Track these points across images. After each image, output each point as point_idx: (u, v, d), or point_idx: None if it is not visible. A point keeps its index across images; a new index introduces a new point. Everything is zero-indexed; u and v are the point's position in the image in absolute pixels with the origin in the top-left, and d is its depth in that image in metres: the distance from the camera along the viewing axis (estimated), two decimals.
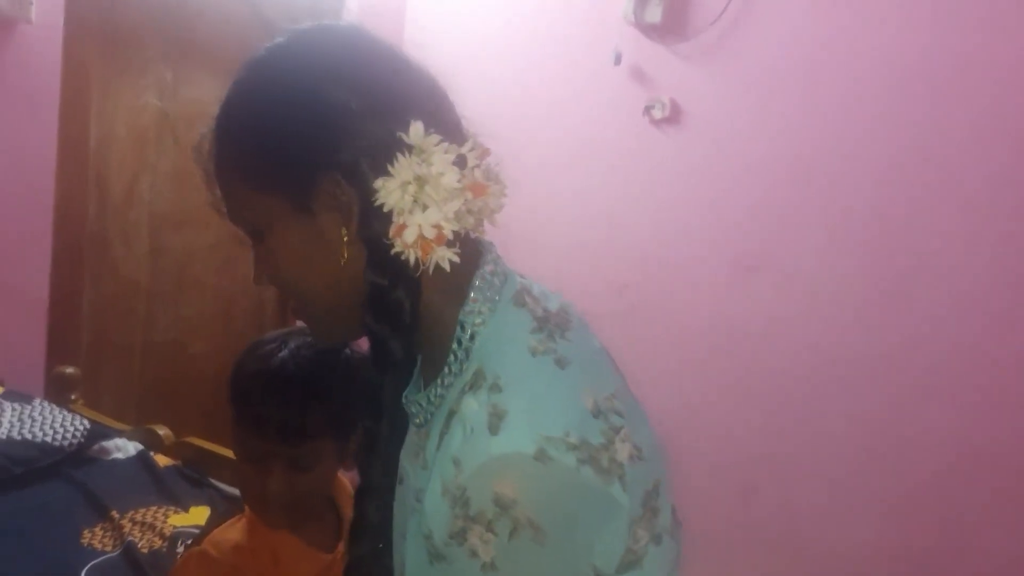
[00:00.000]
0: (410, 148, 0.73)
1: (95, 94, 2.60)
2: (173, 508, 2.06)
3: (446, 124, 0.77)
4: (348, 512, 1.27)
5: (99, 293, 2.72)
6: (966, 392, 2.12)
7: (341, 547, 1.25)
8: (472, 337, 0.76)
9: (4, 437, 2.05)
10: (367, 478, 0.81)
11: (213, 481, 2.24)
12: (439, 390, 0.77)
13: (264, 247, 0.81)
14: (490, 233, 2.01)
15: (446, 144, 0.74)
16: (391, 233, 0.73)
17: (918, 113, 2.20)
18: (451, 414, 0.73)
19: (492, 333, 0.76)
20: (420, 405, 0.79)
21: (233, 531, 1.22)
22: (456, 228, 0.73)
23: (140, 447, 2.29)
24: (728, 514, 2.55)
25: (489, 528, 0.66)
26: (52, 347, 2.54)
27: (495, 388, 0.71)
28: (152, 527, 1.96)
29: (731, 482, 2.56)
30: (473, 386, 0.72)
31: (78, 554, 1.84)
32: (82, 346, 2.66)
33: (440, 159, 0.72)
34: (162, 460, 2.28)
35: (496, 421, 0.69)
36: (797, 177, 2.45)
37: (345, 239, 0.76)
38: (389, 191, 0.72)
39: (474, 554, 0.66)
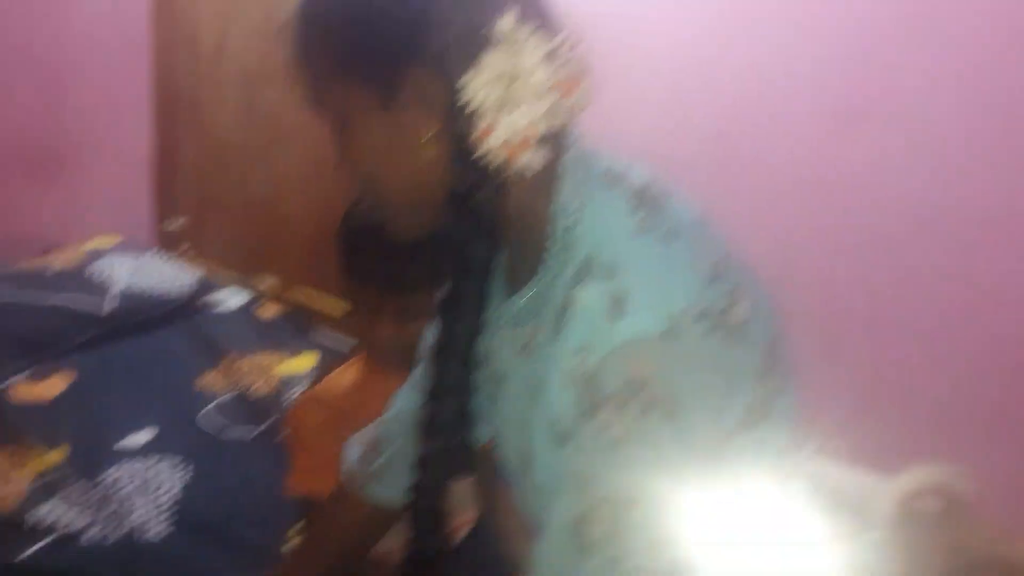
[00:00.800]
0: (500, 40, 0.68)
1: None
2: (281, 354, 2.16)
3: (541, 11, 0.72)
4: None
5: (196, 150, 2.77)
6: None
7: None
8: (570, 229, 0.73)
9: (122, 288, 2.16)
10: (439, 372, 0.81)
11: (317, 329, 2.33)
12: (542, 287, 0.75)
13: (347, 136, 0.78)
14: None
15: (539, 35, 0.68)
16: (477, 135, 0.69)
17: None
18: (564, 308, 0.71)
19: (591, 221, 0.73)
20: (522, 305, 0.78)
21: (345, 377, 1.28)
22: (543, 125, 0.69)
23: (247, 297, 2.39)
24: (812, 363, 2.54)
25: (621, 409, 0.65)
26: (159, 202, 2.63)
27: (608, 274, 0.69)
28: (262, 372, 2.07)
29: (821, 334, 2.54)
30: (583, 276, 0.70)
31: (195, 397, 1.97)
32: (186, 201, 2.74)
33: (531, 54, 0.67)
34: (268, 310, 2.38)
35: (617, 306, 0.67)
36: (905, 19, 2.29)
37: (430, 135, 0.72)
38: (475, 88, 0.68)
39: (607, 434, 0.66)
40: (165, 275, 2.28)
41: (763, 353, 0.72)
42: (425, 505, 0.85)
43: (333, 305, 2.41)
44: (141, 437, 1.80)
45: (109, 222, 2.42)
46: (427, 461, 0.84)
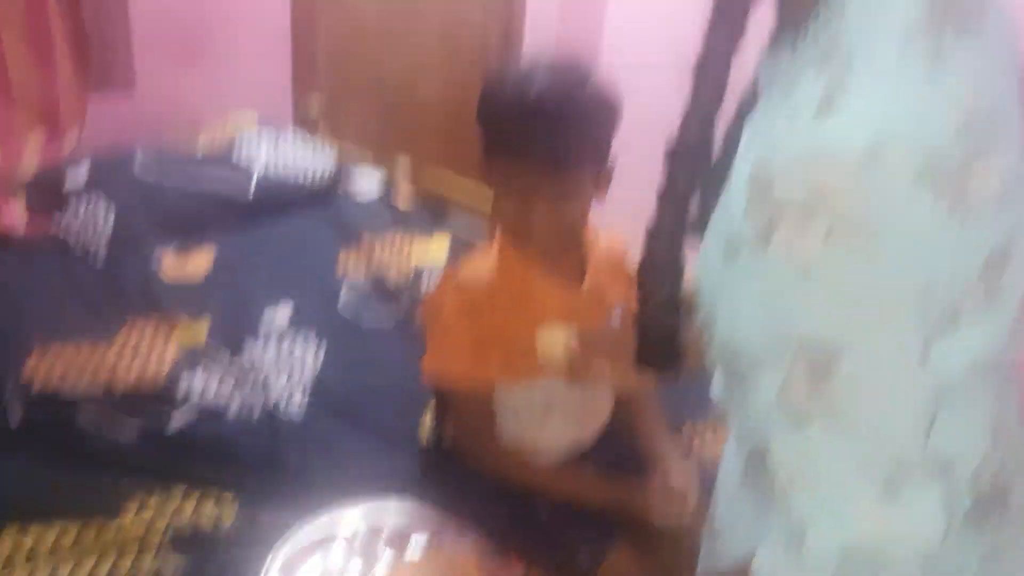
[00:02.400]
0: None
1: None
2: (417, 238, 2.16)
3: None
4: (593, 250, 1.27)
5: (334, 29, 2.74)
6: None
7: (587, 285, 1.25)
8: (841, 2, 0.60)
9: (263, 172, 2.19)
10: (661, 216, 0.72)
11: (451, 213, 2.32)
12: (785, 58, 0.64)
13: None
14: None
15: None
16: None
17: None
18: (786, 93, 0.61)
19: (866, 2, 0.60)
20: (766, 73, 0.68)
21: (484, 264, 1.24)
22: None
23: (383, 181, 2.38)
24: None
25: (803, 223, 0.56)
26: (298, 80, 2.62)
27: (844, 64, 0.58)
28: (398, 258, 2.07)
29: None
30: (822, 58, 0.59)
31: (333, 278, 1.99)
32: (323, 80, 2.73)
33: None
34: (403, 195, 2.37)
35: (829, 102, 0.57)
36: None
37: None
38: None
39: (787, 254, 0.57)
40: (304, 157, 2.28)
41: (983, 261, 0.60)
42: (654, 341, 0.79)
43: (467, 189, 2.39)
44: (281, 314, 1.84)
45: (250, 99, 2.43)
46: (646, 311, 0.78)
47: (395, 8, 2.89)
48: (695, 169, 0.69)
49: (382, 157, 2.51)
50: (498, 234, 1.25)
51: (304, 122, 2.57)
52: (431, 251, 2.13)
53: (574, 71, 1.14)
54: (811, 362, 0.59)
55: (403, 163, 2.48)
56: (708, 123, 0.68)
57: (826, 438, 0.60)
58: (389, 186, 2.38)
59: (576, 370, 1.12)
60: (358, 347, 1.79)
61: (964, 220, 0.57)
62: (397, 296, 1.95)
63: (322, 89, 2.71)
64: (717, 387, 0.77)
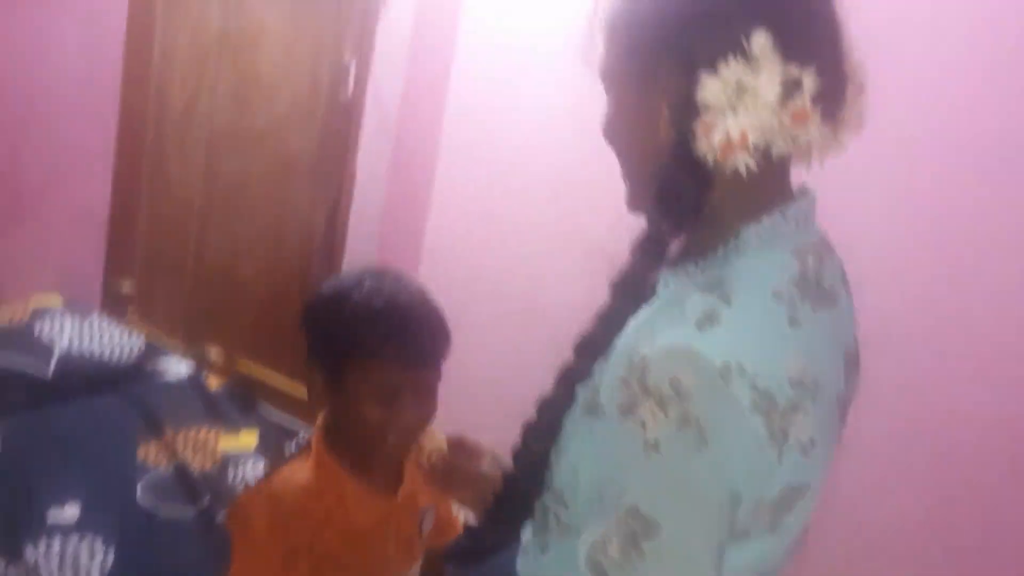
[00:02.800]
0: (746, 55, 0.73)
1: (160, 6, 2.57)
2: (224, 430, 2.09)
3: (801, 47, 0.75)
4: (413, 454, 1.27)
5: (155, 211, 2.72)
6: None
7: (403, 491, 1.25)
8: (737, 251, 0.78)
9: (64, 350, 2.08)
10: (556, 391, 0.85)
11: (262, 406, 2.26)
12: (682, 277, 0.80)
13: (609, 108, 0.87)
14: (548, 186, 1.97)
15: (785, 65, 0.73)
16: (699, 129, 0.75)
17: None
18: (678, 302, 0.75)
19: (756, 259, 0.77)
20: (665, 282, 0.83)
21: (300, 473, 1.22)
22: (760, 141, 0.74)
23: (193, 367, 2.31)
24: None
25: (661, 407, 0.68)
26: (110, 262, 2.56)
27: (723, 299, 0.73)
28: (204, 448, 1.99)
29: None
30: (708, 288, 0.75)
31: (134, 468, 1.88)
32: (138, 262, 2.68)
33: (769, 75, 0.73)
34: (213, 381, 2.31)
35: (706, 323, 0.71)
36: None
37: (663, 119, 0.79)
38: (710, 88, 0.74)
39: (643, 426, 0.68)
40: (109, 339, 2.19)
41: (783, 488, 0.72)
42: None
43: (281, 382, 2.36)
44: (68, 513, 1.70)
45: (56, 278, 2.34)
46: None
47: (221, 192, 2.92)
48: (594, 358, 0.80)
49: (194, 343, 2.45)
50: (316, 443, 1.23)
51: (115, 303, 2.49)
52: (239, 442, 2.06)
53: (404, 276, 1.23)
54: (630, 530, 0.68)
55: (215, 352, 2.42)
56: (616, 327, 0.80)
57: None
58: (198, 373, 2.31)
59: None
60: (153, 544, 1.68)
61: (780, 454, 0.70)
62: (201, 486, 1.85)
63: (136, 272, 2.65)
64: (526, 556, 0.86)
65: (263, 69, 2.92)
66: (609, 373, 0.75)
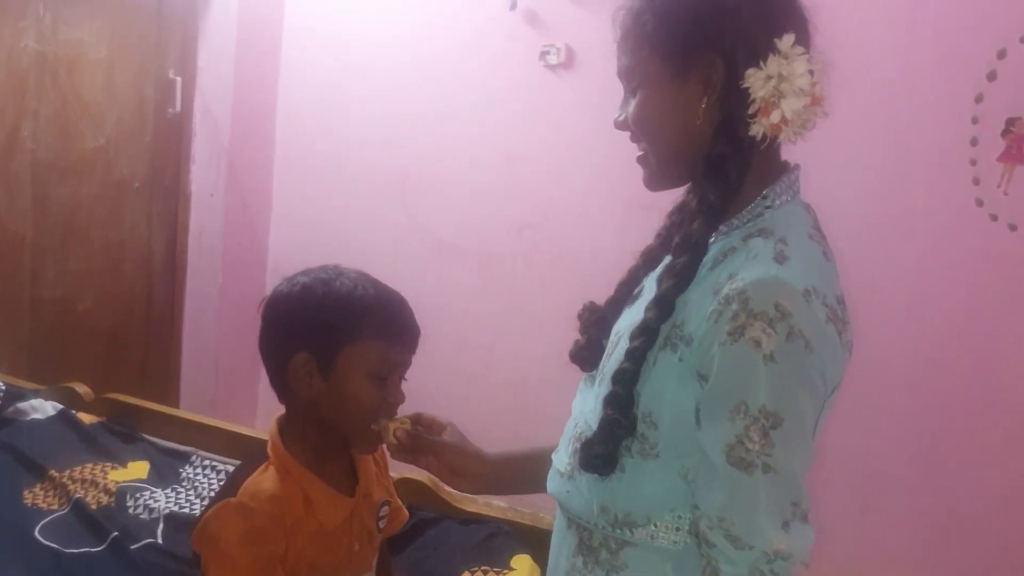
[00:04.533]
0: (777, 51, 0.91)
1: None
2: (111, 464, 2.04)
3: (807, 41, 0.95)
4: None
5: None
6: None
7: (359, 490, 1.29)
8: (769, 207, 0.96)
9: None
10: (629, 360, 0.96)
11: (145, 435, 2.21)
12: (723, 233, 0.97)
13: (636, 98, 1.00)
14: (387, 184, 2.11)
15: (805, 57, 0.92)
16: (759, 112, 0.92)
17: None
18: (731, 250, 0.93)
19: (784, 211, 0.96)
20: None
21: (266, 480, 1.21)
22: (795, 122, 0.92)
23: (59, 406, 2.23)
24: None
25: (771, 325, 0.84)
26: None
27: (782, 241, 0.91)
28: (95, 483, 1.94)
29: None
30: (761, 235, 0.92)
31: (26, 514, 1.81)
32: None
33: (799, 65, 0.91)
34: (85, 418, 2.23)
35: (781, 259, 0.89)
36: None
37: (703, 107, 0.95)
38: (756, 79, 0.91)
39: (757, 344, 0.84)
40: None
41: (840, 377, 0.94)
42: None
43: (154, 408, 2.32)
44: None
45: None
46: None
47: (52, 222, 2.79)
48: (670, 305, 0.95)
49: (57, 384, 2.35)
50: (276, 450, 1.24)
51: None
52: (128, 474, 2.01)
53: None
54: (761, 425, 0.85)
55: (82, 390, 2.34)
56: (683, 279, 0.96)
57: (764, 479, 0.86)
58: (68, 412, 2.22)
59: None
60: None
61: (844, 353, 0.93)
62: (104, 521, 1.80)
63: None
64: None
65: (86, 91, 2.82)
66: (696, 310, 0.91)
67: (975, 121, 2.32)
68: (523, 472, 1.26)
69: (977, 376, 2.42)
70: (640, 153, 1.03)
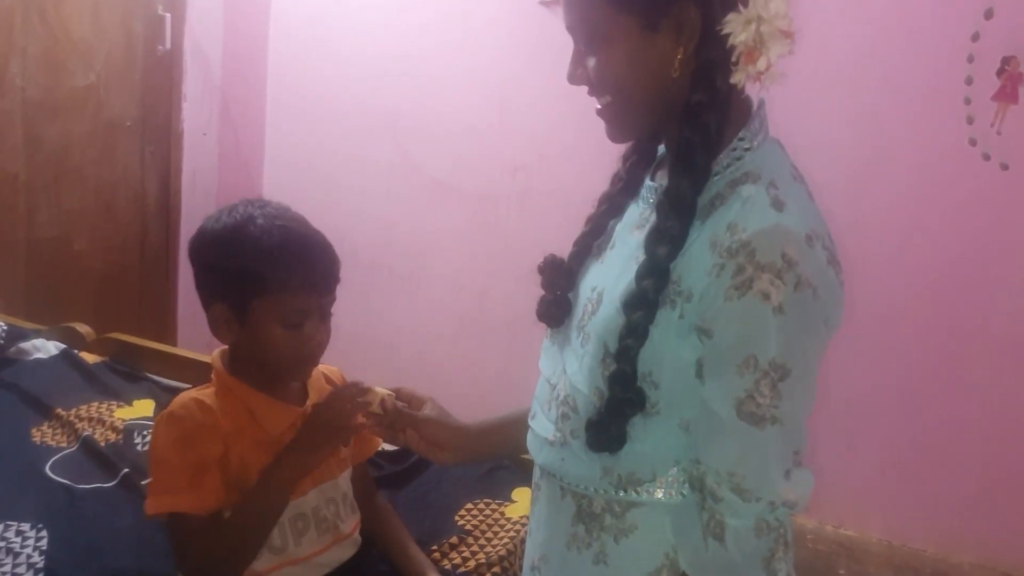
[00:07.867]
0: None
1: None
2: (116, 403, 2.06)
3: None
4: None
5: None
6: None
7: (311, 400, 1.37)
8: (748, 148, 0.92)
9: None
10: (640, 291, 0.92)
11: (144, 373, 2.24)
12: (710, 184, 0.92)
13: (596, 54, 0.94)
14: (380, 123, 2.13)
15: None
16: (742, 59, 0.88)
17: None
18: (717, 197, 0.90)
19: (763, 152, 0.93)
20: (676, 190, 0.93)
21: (196, 393, 1.32)
22: (776, 64, 0.89)
23: (61, 345, 2.25)
24: None
25: (779, 276, 0.83)
26: None
27: (772, 185, 0.88)
28: (102, 421, 1.96)
29: None
30: (748, 179, 0.89)
31: (35, 451, 1.84)
32: None
33: (779, 5, 0.87)
34: (89, 357, 2.26)
35: (778, 205, 0.87)
36: None
37: (679, 57, 0.90)
38: (736, 23, 0.87)
39: (766, 296, 0.83)
40: None
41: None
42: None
43: (155, 347, 2.34)
44: None
45: None
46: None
47: (45, 161, 2.78)
48: (664, 261, 0.91)
49: (59, 325, 2.37)
50: (217, 371, 1.33)
51: None
52: (135, 412, 2.04)
53: (285, 205, 1.33)
54: (770, 378, 0.84)
55: (84, 329, 2.35)
56: (670, 236, 0.91)
57: (773, 432, 0.86)
58: (71, 352, 2.24)
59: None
60: (83, 516, 1.65)
61: (842, 294, 0.91)
62: (113, 457, 1.84)
63: None
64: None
65: (74, 28, 2.78)
66: (694, 264, 0.88)
67: (970, 60, 2.32)
68: (505, 439, 1.29)
69: (966, 313, 2.47)
70: (599, 107, 0.98)
